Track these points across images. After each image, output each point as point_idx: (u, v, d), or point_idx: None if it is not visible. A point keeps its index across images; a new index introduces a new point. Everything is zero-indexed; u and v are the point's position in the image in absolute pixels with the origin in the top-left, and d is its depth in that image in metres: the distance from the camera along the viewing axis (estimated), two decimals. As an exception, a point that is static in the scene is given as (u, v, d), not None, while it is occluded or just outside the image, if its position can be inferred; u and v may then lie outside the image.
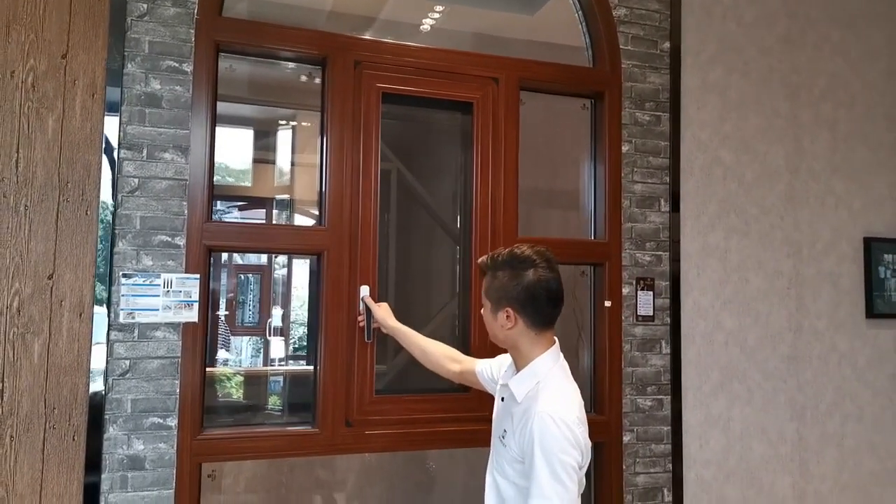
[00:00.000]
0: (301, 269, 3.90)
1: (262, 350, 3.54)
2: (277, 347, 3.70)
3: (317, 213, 2.84)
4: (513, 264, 1.77)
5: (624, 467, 2.70)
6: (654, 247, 2.82)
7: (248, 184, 3.11)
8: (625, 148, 2.80)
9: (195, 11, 2.31)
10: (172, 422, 2.20)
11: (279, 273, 3.68)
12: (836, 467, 3.05)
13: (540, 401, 1.69)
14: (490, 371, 2.09)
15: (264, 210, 3.10)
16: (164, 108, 2.25)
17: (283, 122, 3.57)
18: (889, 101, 3.28)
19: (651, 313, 2.79)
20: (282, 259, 3.63)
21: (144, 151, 2.23)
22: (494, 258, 1.81)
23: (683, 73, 2.91)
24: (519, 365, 1.81)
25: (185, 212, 2.25)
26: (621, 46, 2.84)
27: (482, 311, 1.87)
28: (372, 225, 2.46)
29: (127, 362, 2.17)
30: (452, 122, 2.84)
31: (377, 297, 2.42)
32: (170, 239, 2.24)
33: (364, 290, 2.41)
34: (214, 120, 2.32)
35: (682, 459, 2.78)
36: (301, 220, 3.38)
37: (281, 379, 3.59)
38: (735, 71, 3.02)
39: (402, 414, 2.45)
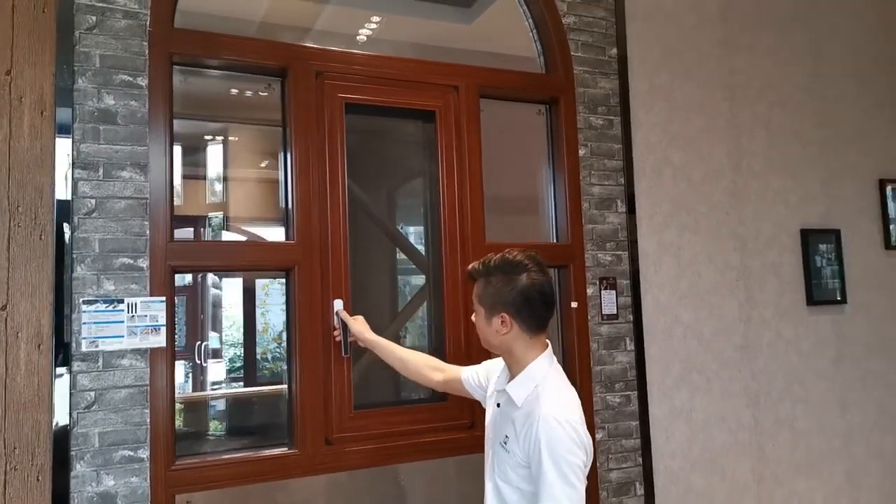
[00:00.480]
0: (232, 290, 3.81)
1: (191, 375, 3.44)
2: (213, 371, 3.59)
3: (252, 230, 2.78)
4: (506, 269, 1.77)
5: (598, 464, 2.74)
6: (614, 247, 2.89)
7: (178, 202, 2.99)
8: (581, 151, 2.86)
9: (147, 23, 2.21)
10: (144, 453, 2.09)
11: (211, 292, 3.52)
12: (789, 449, 3.20)
13: (542, 404, 1.70)
14: (477, 378, 2.09)
15: (193, 228, 2.95)
16: (119, 125, 2.15)
17: (210, 136, 3.50)
18: (816, 100, 3.48)
19: (615, 311, 2.85)
20: (211, 278, 3.52)
21: (101, 170, 2.12)
22: (486, 264, 1.81)
23: (631, 77, 3.00)
24: (514, 370, 1.81)
25: (147, 232, 2.15)
26: (572, 53, 2.90)
27: (473, 317, 1.87)
28: (342, 237, 2.42)
29: (92, 394, 2.05)
30: (410, 132, 2.84)
31: (351, 310, 2.38)
32: (132, 261, 2.13)
33: (338, 304, 2.36)
34: (172, 135, 2.23)
35: (651, 452, 2.85)
36: (232, 238, 3.30)
37: (218, 403, 3.48)
38: (678, 75, 3.13)
39: (382, 428, 2.41)
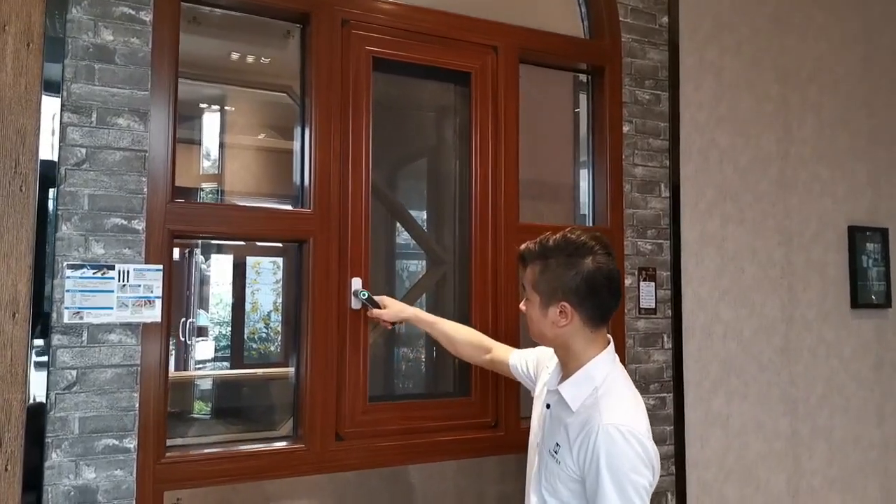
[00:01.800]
0: (221, 266, 3.56)
1: (174, 354, 3.18)
2: (199, 350, 3.35)
3: (248, 205, 2.55)
4: (568, 251, 1.53)
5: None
6: (655, 234, 2.64)
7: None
8: (625, 128, 2.60)
9: (153, -50, 1.92)
10: (131, 443, 1.82)
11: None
12: (825, 461, 2.98)
13: (602, 410, 1.45)
14: (526, 367, 1.86)
15: (183, 200, 2.73)
16: (117, 64, 1.86)
17: (206, 104, 3.19)
18: (867, 88, 3.24)
19: (653, 306, 2.61)
20: (199, 253, 3.26)
21: (94, 116, 1.83)
22: (544, 244, 1.56)
23: (681, 50, 2.74)
24: (570, 367, 1.56)
25: (145, 189, 1.87)
26: (620, 19, 2.63)
27: (523, 306, 1.63)
28: (364, 209, 2.15)
29: (74, 372, 1.77)
30: (435, 99, 2.56)
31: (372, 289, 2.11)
32: (126, 222, 1.85)
33: (356, 283, 2.09)
34: (177, 80, 1.94)
35: (685, 461, 2.62)
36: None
37: (203, 383, 3.25)
38: (729, 50, 2.88)
39: (400, 423, 2.15)
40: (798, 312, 2.95)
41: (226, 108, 3.47)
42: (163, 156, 1.89)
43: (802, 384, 2.95)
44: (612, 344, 1.59)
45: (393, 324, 2.10)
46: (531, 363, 1.85)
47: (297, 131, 2.18)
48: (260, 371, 3.70)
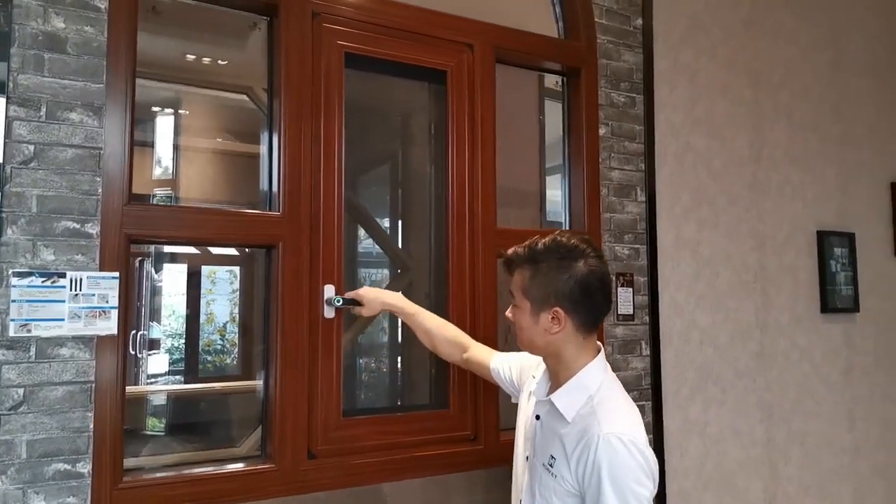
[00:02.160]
0: (174, 276, 3.41)
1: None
2: (151, 364, 3.18)
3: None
4: (560, 254, 1.47)
5: (609, 483, 2.43)
6: (632, 239, 2.59)
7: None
8: (602, 130, 2.54)
9: (109, -67, 1.78)
10: (85, 467, 1.66)
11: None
12: (800, 467, 2.96)
13: (601, 420, 1.39)
14: (509, 372, 1.79)
15: None
16: (70, 54, 1.71)
17: (159, 108, 3.06)
18: (835, 93, 3.26)
19: (631, 311, 2.55)
20: (151, 262, 3.12)
21: (43, 109, 1.68)
22: (533, 248, 1.50)
23: (655, 52, 2.70)
24: (561, 376, 1.49)
25: (100, 190, 1.72)
26: (595, 20, 2.58)
27: (510, 314, 1.55)
28: (336, 212, 2.03)
29: (20, 391, 1.61)
30: (408, 100, 2.47)
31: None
32: (78, 226, 1.70)
33: (329, 291, 1.97)
34: (135, 72, 1.80)
35: (665, 471, 2.56)
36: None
37: (157, 398, 3.10)
38: (703, 53, 2.85)
39: (375, 438, 2.04)
40: (772, 317, 2.94)
41: (180, 110, 3.34)
42: (119, 154, 1.74)
43: (777, 389, 2.93)
44: (602, 351, 1.53)
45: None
46: (514, 369, 1.78)
47: (265, 131, 2.05)
48: (218, 385, 3.55)
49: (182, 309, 3.40)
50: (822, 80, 3.22)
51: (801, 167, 3.10)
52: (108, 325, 1.71)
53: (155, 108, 3.04)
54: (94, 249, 1.70)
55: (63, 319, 1.66)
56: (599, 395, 1.44)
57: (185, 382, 3.39)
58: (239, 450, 2.62)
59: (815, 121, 3.17)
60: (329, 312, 1.95)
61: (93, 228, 1.71)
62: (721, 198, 2.83)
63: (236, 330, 3.54)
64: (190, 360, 3.41)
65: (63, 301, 1.66)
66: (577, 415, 1.43)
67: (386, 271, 3.13)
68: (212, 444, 2.72)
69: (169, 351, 3.32)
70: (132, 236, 1.76)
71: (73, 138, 1.70)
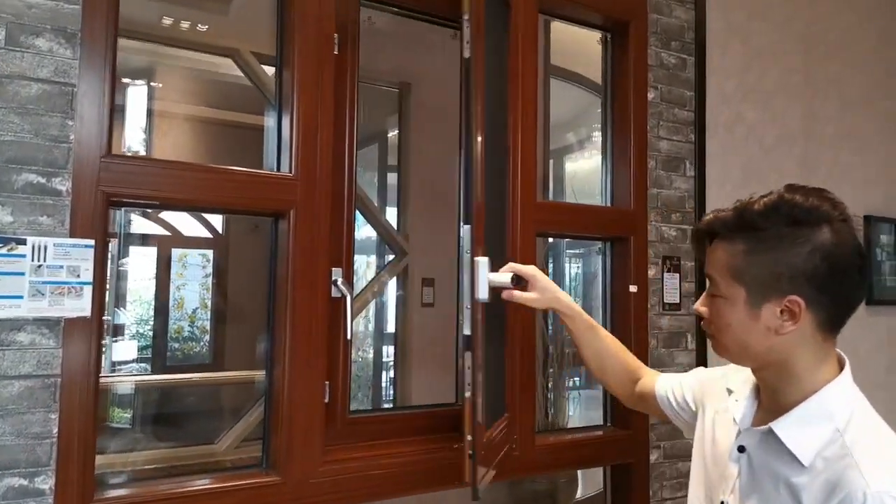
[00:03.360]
0: (142, 259, 3.17)
1: None
2: (117, 351, 3.00)
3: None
4: (793, 217, 1.03)
5: (651, 493, 2.16)
6: (680, 219, 2.30)
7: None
8: (651, 95, 2.24)
9: None
10: (46, 482, 1.33)
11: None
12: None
13: (865, 470, 0.96)
14: (682, 395, 1.36)
15: None
16: (34, -37, 1.36)
17: (129, 79, 2.86)
18: (884, 67, 2.99)
19: (678, 300, 2.26)
20: (116, 243, 2.88)
21: (2, 33, 1.33)
22: (748, 209, 1.06)
23: (708, 9, 2.40)
24: (786, 397, 1.06)
25: (72, 137, 1.38)
26: (645, -33, 2.27)
27: (706, 306, 1.12)
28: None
29: (-35, 387, 1.28)
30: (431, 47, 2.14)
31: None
32: (44, 180, 1.35)
33: (483, 262, 1.41)
34: (119, -6, 1.45)
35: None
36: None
37: (123, 388, 2.86)
38: (756, 14, 2.55)
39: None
40: (819, 309, 2.68)
41: (155, 78, 3.05)
42: (97, 92, 1.40)
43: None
44: (847, 363, 1.09)
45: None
46: (689, 387, 1.35)
47: (276, 80, 1.71)
48: (190, 376, 3.28)
49: (150, 294, 3.20)
50: (873, 52, 2.95)
51: (851, 146, 2.83)
52: (80, 306, 1.37)
53: (126, 80, 2.79)
54: (64, 210, 1.36)
55: (22, 297, 1.32)
56: (853, 429, 1.01)
57: (153, 371, 3.15)
58: (217, 447, 2.37)
59: (865, 96, 2.90)
60: (483, 293, 1.39)
61: (62, 184, 1.36)
62: (772, 175, 2.55)
63: (208, 317, 3.36)
64: (158, 348, 3.22)
65: (22, 274, 1.32)
66: (818, 457, 1.00)
67: (372, 257, 2.85)
68: (186, 440, 2.54)
69: (135, 337, 3.12)
70: (112, 196, 1.42)
71: (40, 70, 1.35)
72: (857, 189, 2.85)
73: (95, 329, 1.38)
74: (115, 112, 1.44)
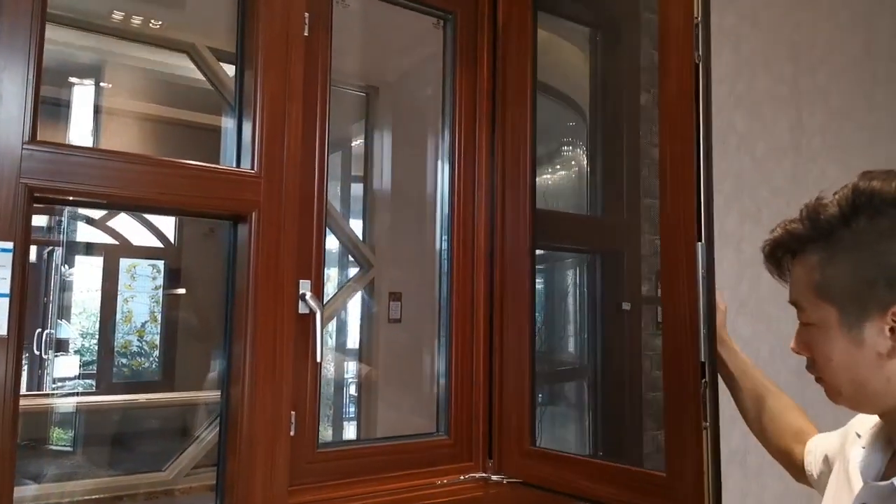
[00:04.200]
0: (88, 268, 2.98)
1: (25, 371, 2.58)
2: (59, 367, 2.83)
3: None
4: (877, 209, 0.86)
5: (646, 529, 1.97)
6: (674, 230, 2.14)
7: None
8: (642, 98, 2.10)
9: None
10: (-54, 540, 1.08)
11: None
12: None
13: None
14: (823, 451, 1.13)
15: None
16: None
17: (77, 79, 2.63)
18: (868, 79, 2.93)
19: (672, 318, 2.10)
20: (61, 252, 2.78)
21: None
22: (820, 211, 0.91)
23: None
24: None
25: (-14, 117, 1.14)
26: (637, -36, 2.13)
27: (799, 343, 0.97)
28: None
29: None
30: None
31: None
32: (-50, 170, 1.11)
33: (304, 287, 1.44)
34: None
35: (705, 510, 2.12)
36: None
37: (63, 406, 2.68)
38: (746, 18, 2.44)
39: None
40: (810, 328, 2.55)
41: (104, 76, 2.84)
42: (19, 68, 1.17)
43: (819, 409, 2.54)
44: None
45: None
46: (827, 448, 1.11)
47: (236, 68, 1.50)
48: (138, 397, 3.06)
49: (96, 306, 3.01)
50: (857, 64, 2.88)
51: (837, 160, 2.74)
52: (-6, 322, 1.13)
53: (73, 79, 2.57)
54: (-25, 206, 1.12)
55: (-81, 311, 1.07)
56: None
57: (98, 388, 2.98)
58: (166, 475, 2.14)
59: (850, 108, 2.82)
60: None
61: (-27, 175, 1.12)
62: (763, 188, 2.42)
63: (157, 331, 3.19)
64: (103, 364, 3.03)
65: (-81, 283, 1.08)
66: None
67: (333, 270, 2.67)
68: (131, 467, 2.28)
69: (79, 352, 2.96)
70: (37, 191, 1.18)
71: (-54, 35, 1.12)
72: (844, 203, 2.75)
73: (13, 348, 1.14)
74: (60, 111, 1.22)
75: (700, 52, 1.28)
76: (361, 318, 2.70)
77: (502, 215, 1.68)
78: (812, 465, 1.13)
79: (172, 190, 1.31)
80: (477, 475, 1.64)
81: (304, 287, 1.48)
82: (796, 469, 1.20)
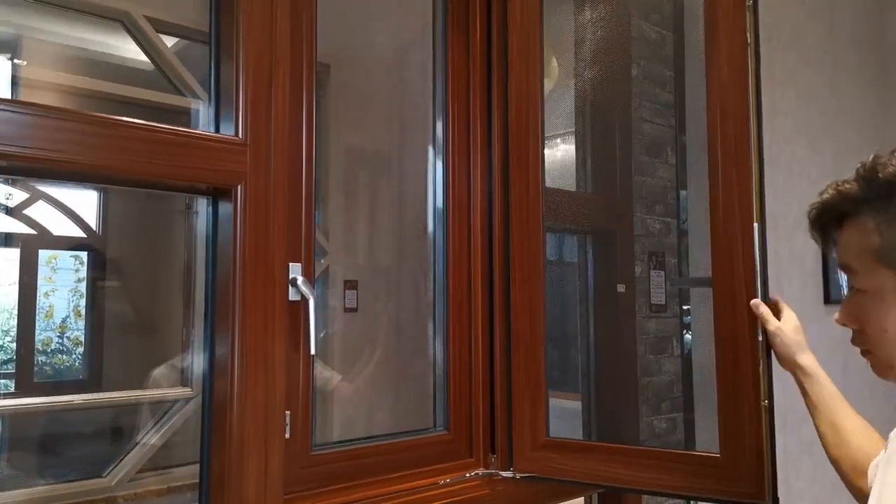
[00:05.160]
0: (2, 262, 2.69)
1: None
2: None
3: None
4: None
5: (643, 521, 1.89)
6: (663, 210, 2.07)
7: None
8: (633, 71, 2.01)
9: None
10: None
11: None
12: (810, 480, 2.59)
13: None
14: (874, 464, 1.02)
15: None
16: None
17: None
18: (830, 63, 2.95)
19: (663, 301, 2.04)
20: None
21: None
22: (880, 170, 0.85)
23: (682, -16, 2.22)
24: None
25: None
26: (623, -69, 2.04)
27: (848, 314, 0.93)
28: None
29: None
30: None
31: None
32: None
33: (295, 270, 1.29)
34: None
35: (697, 498, 2.07)
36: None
37: None
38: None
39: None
40: (786, 309, 2.55)
41: (17, 60, 2.58)
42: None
43: (790, 393, 2.53)
44: None
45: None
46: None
47: (209, 14, 1.31)
48: (69, 398, 2.83)
49: (12, 301, 2.73)
50: (821, 48, 2.89)
51: (806, 141, 2.74)
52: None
53: None
54: None
55: None
56: None
57: (18, 388, 2.69)
58: (107, 481, 2.03)
59: (816, 91, 2.83)
60: None
61: None
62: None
63: (82, 327, 2.89)
64: (23, 362, 2.75)
65: None
66: None
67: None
68: (66, 474, 2.13)
69: None
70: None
71: None
72: (812, 185, 2.73)
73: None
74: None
75: (753, 34, 1.22)
76: (316, 308, 2.54)
77: (503, 193, 1.56)
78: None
79: (135, 157, 1.11)
80: (481, 472, 1.51)
81: (295, 271, 1.32)
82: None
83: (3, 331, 2.74)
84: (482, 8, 1.62)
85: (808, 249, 2.69)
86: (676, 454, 1.35)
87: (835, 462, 1.18)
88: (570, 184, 2.02)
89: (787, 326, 1.24)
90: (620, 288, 1.89)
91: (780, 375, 1.34)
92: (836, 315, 0.93)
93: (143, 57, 2.05)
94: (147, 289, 2.45)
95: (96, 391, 2.81)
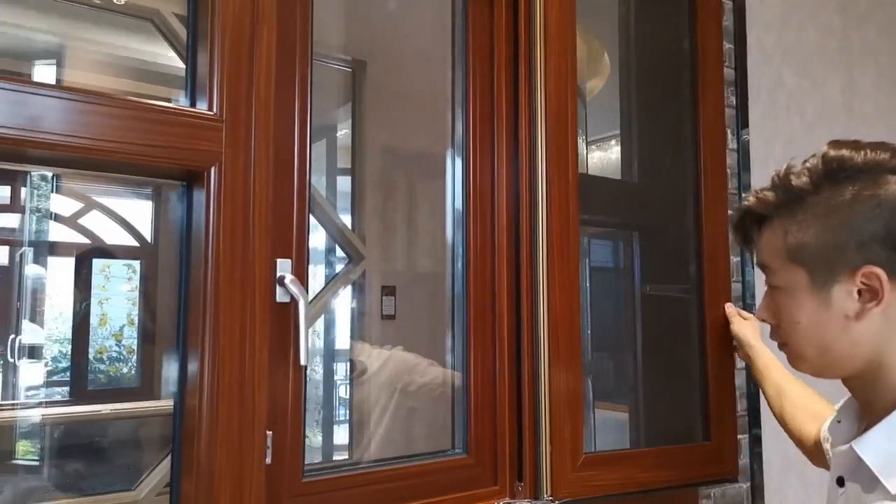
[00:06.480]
0: (60, 270, 2.84)
1: None
2: (29, 375, 2.70)
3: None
4: (847, 172, 0.87)
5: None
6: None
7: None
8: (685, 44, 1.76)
9: None
10: None
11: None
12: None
13: None
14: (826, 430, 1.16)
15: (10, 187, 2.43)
16: None
17: (42, 59, 2.42)
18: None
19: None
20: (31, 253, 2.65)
21: None
22: (790, 177, 0.90)
23: (742, -59, 1.96)
24: (880, 402, 0.86)
25: None
26: None
27: (767, 309, 0.95)
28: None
29: None
30: None
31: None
32: None
33: (284, 266, 1.10)
34: None
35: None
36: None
37: (32, 416, 2.56)
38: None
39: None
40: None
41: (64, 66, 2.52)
42: None
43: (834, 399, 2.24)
44: None
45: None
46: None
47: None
48: (113, 407, 2.83)
49: (68, 310, 2.87)
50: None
51: (889, 126, 2.44)
52: None
53: (38, 61, 2.37)
54: None
55: None
56: None
57: (72, 395, 2.83)
58: (136, 494, 2.02)
59: (897, 69, 2.52)
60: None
61: None
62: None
63: (135, 335, 3.02)
64: (77, 370, 2.86)
65: None
66: None
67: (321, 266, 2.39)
68: (101, 486, 2.25)
69: (55, 359, 2.83)
70: None
71: None
72: (896, 175, 2.45)
73: None
74: None
75: None
76: (352, 315, 2.39)
77: (528, 190, 1.34)
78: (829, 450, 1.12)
79: (98, 132, 0.94)
80: (506, 502, 1.30)
81: (283, 268, 1.13)
82: (812, 450, 1.22)
83: (61, 339, 2.84)
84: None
85: None
86: (685, 448, 1.39)
87: (780, 418, 1.32)
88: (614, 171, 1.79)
89: (747, 329, 1.49)
90: (672, 291, 1.65)
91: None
92: (756, 311, 1.00)
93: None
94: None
95: (149, 399, 2.83)
